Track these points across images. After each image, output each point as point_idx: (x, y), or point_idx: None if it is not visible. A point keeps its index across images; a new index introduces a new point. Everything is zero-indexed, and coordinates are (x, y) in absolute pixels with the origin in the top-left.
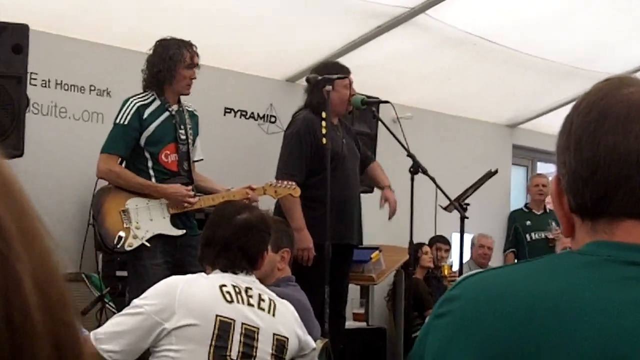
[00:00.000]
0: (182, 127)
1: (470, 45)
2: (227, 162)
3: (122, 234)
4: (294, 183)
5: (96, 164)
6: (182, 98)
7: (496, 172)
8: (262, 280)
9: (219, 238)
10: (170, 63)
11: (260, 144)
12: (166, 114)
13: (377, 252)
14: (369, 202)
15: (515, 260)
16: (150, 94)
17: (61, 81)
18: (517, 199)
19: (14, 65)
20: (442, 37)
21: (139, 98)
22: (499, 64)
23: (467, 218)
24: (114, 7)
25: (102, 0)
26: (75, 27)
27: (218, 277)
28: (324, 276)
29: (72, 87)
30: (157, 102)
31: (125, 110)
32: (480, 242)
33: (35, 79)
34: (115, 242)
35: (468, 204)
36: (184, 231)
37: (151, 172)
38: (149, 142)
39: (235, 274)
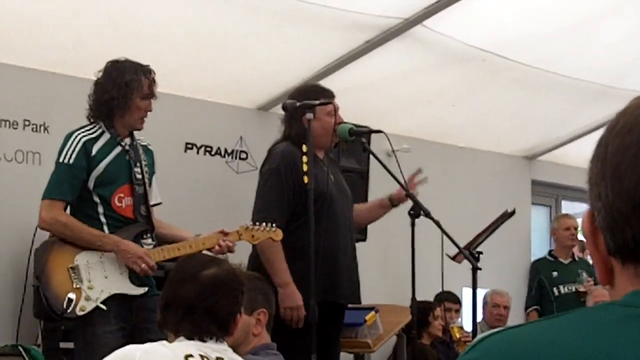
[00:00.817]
0: (137, 164)
1: (478, 62)
2: (189, 207)
3: (71, 295)
4: (274, 225)
5: (35, 214)
6: (135, 132)
7: (513, 213)
8: (235, 349)
9: (182, 299)
10: (126, 90)
11: (229, 185)
12: (118, 149)
13: (372, 312)
14: (362, 252)
15: None
16: (97, 126)
17: None
18: (540, 246)
19: None
20: (444, 53)
21: (84, 131)
22: (513, 84)
23: (480, 269)
24: (50, 26)
25: (36, 18)
26: (3, 50)
27: (182, 346)
28: (310, 343)
29: (3, 122)
30: (107, 136)
31: (70, 147)
32: (494, 301)
33: None
34: (64, 306)
35: (481, 253)
36: (146, 289)
37: (102, 218)
38: (98, 183)
39: (204, 341)
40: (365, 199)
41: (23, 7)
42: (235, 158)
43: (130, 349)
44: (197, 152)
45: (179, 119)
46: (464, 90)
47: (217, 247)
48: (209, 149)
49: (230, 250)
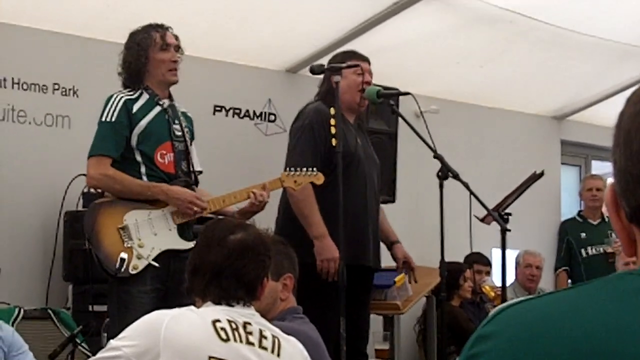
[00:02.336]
0: (176, 122)
1: (506, 23)
2: (218, 170)
3: (124, 255)
4: (314, 169)
5: (65, 177)
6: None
7: (542, 174)
8: (263, 315)
9: (209, 264)
10: (138, 50)
11: (257, 147)
12: (157, 108)
13: (402, 274)
14: (391, 213)
15: (569, 281)
16: (136, 89)
17: (19, 79)
18: (570, 206)
19: None
20: (473, 15)
21: (124, 93)
22: (542, 45)
23: (509, 231)
24: None
25: None
26: (33, 15)
27: (210, 311)
28: (338, 305)
29: (32, 86)
30: (146, 96)
31: (111, 106)
32: (526, 261)
33: None
34: (117, 265)
35: (510, 214)
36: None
37: (145, 178)
38: (140, 140)
39: (231, 305)
40: (394, 161)
41: None
42: (264, 120)
43: (159, 314)
44: (226, 115)
45: (208, 81)
46: (492, 51)
47: (252, 196)
48: (237, 111)
49: (265, 200)
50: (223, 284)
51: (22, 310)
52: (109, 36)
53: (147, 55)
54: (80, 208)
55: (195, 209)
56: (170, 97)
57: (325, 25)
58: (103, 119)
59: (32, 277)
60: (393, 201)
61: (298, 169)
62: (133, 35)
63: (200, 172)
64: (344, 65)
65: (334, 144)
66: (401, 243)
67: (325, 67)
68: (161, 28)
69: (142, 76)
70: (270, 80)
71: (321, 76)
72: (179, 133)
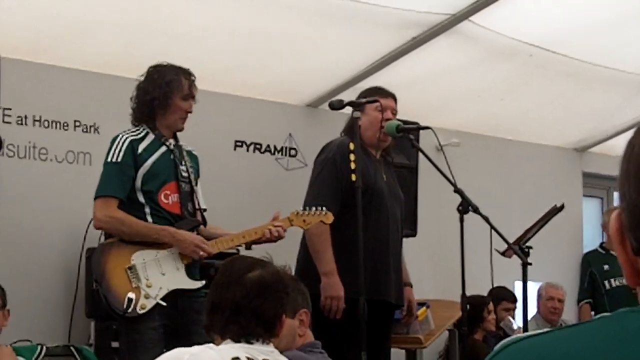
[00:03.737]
0: (182, 163)
1: (525, 56)
2: (239, 205)
3: (131, 295)
4: (324, 208)
5: (86, 214)
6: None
7: (562, 207)
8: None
9: (228, 301)
10: (167, 90)
11: (278, 181)
12: (163, 148)
13: (424, 308)
14: (412, 247)
15: (593, 313)
16: (142, 128)
17: (40, 117)
18: (592, 238)
19: None
20: (492, 48)
21: (130, 132)
22: (561, 77)
23: (530, 264)
24: (97, 28)
25: (83, 20)
26: (54, 53)
27: (229, 349)
28: (359, 340)
29: (54, 124)
30: (151, 136)
31: (117, 147)
32: (548, 294)
33: (9, 115)
34: (125, 306)
35: (530, 247)
36: (204, 282)
37: (149, 218)
38: (145, 181)
39: (250, 343)
40: (415, 195)
41: (74, 12)
42: (285, 155)
43: (179, 352)
44: (247, 150)
45: (229, 117)
46: (512, 84)
47: (267, 233)
48: (258, 146)
49: (281, 235)
50: (242, 322)
51: (44, 348)
52: (130, 73)
53: (171, 97)
54: None
55: (202, 253)
56: (175, 137)
57: (345, 61)
58: (109, 159)
59: (55, 314)
60: (414, 235)
61: (307, 208)
62: (162, 72)
63: (205, 210)
64: (363, 100)
65: (353, 179)
66: (412, 286)
67: (345, 102)
68: (189, 76)
69: (155, 113)
70: (290, 115)
71: (342, 111)
72: (185, 174)
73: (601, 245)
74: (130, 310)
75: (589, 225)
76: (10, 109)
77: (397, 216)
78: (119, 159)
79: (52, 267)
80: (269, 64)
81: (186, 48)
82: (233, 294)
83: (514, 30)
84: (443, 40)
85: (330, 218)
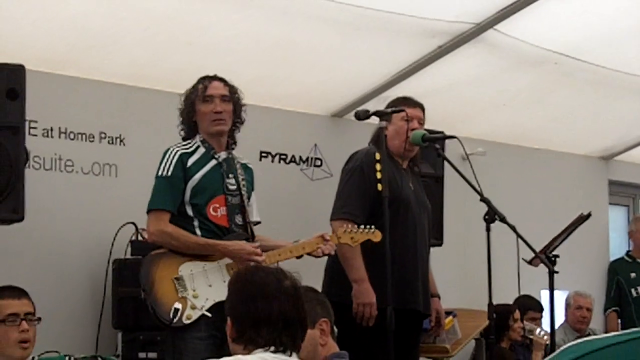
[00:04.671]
0: (230, 176)
1: (551, 65)
2: (265, 215)
3: (177, 305)
4: (373, 226)
5: (112, 225)
6: (237, 151)
7: (589, 216)
8: None
9: (277, 313)
10: (187, 102)
11: (304, 192)
12: (212, 162)
13: (450, 317)
14: (438, 257)
15: (619, 321)
16: (193, 142)
17: (66, 129)
18: (618, 246)
19: (9, 114)
20: (517, 57)
21: (180, 146)
22: (587, 85)
23: (557, 272)
24: (123, 40)
25: (109, 32)
26: (80, 65)
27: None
28: (386, 350)
29: (79, 136)
30: (202, 150)
31: (167, 161)
32: (577, 303)
33: (35, 127)
34: (171, 315)
35: (557, 256)
36: None
37: (198, 231)
38: (194, 194)
39: (276, 353)
40: (441, 204)
41: (100, 23)
42: (310, 165)
43: None
44: (272, 160)
45: (253, 127)
46: (537, 93)
47: (318, 251)
48: (283, 156)
49: (330, 253)
50: (291, 333)
51: (71, 359)
52: (155, 84)
53: (194, 107)
54: (128, 256)
55: (256, 258)
56: (228, 147)
57: (370, 70)
58: (159, 173)
59: (82, 325)
60: (440, 244)
61: (352, 225)
62: (188, 89)
63: (258, 222)
64: (389, 110)
65: (379, 188)
66: (439, 297)
67: (371, 112)
68: (207, 79)
69: (194, 128)
70: (316, 126)
71: (367, 121)
72: (233, 187)
73: (627, 254)
74: (176, 320)
75: (615, 233)
76: (36, 121)
77: (424, 225)
78: (169, 173)
79: (79, 279)
80: (295, 75)
81: (212, 59)
82: (281, 306)
83: (539, 39)
84: (468, 49)
85: (378, 236)
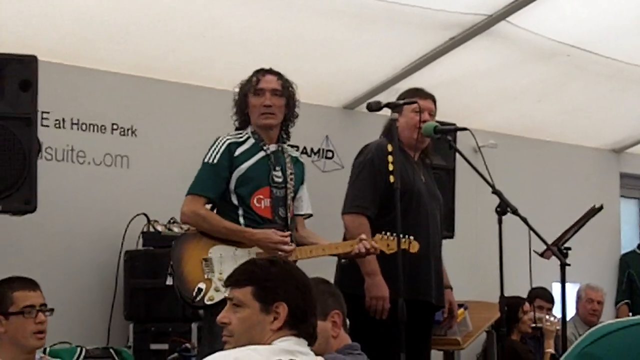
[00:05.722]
0: (277, 168)
1: (563, 57)
2: None
3: (201, 285)
4: (410, 236)
5: (124, 217)
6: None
7: (601, 208)
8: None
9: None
10: (240, 94)
11: (315, 183)
12: (261, 153)
13: (461, 309)
14: (450, 249)
15: (630, 314)
16: (244, 132)
17: (78, 120)
18: (630, 239)
19: (21, 105)
20: (529, 49)
21: (231, 135)
22: (599, 78)
23: (569, 265)
24: (136, 31)
25: (121, 24)
26: (92, 56)
27: (273, 351)
28: (398, 341)
29: (91, 127)
30: (252, 141)
31: (215, 148)
32: (588, 296)
33: (47, 119)
34: (194, 294)
35: (569, 248)
36: None
37: (241, 220)
38: (239, 184)
39: (294, 344)
40: (453, 196)
41: (112, 15)
42: (322, 157)
43: (220, 356)
44: None
45: None
46: (549, 85)
47: (355, 249)
48: (295, 148)
49: (369, 252)
50: (286, 323)
51: (84, 350)
52: (167, 76)
53: (246, 100)
54: (140, 247)
55: (280, 253)
56: (279, 140)
57: (382, 62)
58: (206, 160)
59: (93, 316)
60: (452, 237)
61: (385, 233)
62: (242, 81)
63: (310, 215)
64: (401, 102)
65: (392, 180)
66: (452, 289)
67: (382, 104)
68: (260, 72)
69: (247, 119)
70: (327, 117)
71: (379, 113)
72: (279, 179)
73: (639, 246)
74: (198, 299)
75: (626, 226)
76: (48, 112)
77: (436, 217)
78: (215, 161)
79: (91, 270)
80: (306, 66)
81: (224, 52)
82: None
83: (551, 31)
84: (480, 41)
85: (415, 247)
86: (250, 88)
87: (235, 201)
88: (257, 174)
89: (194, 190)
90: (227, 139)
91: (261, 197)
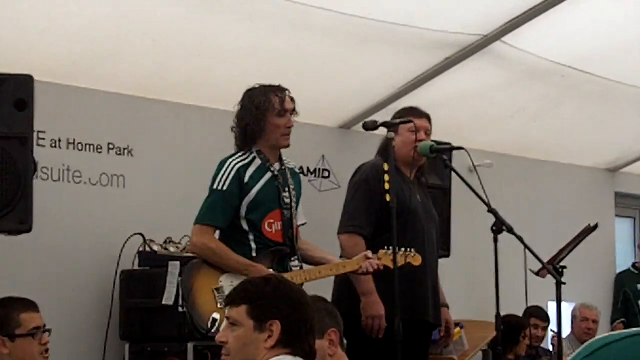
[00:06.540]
0: (285, 189)
1: (558, 77)
2: None
3: (215, 315)
4: (412, 249)
5: (120, 236)
6: (283, 153)
7: (596, 227)
8: None
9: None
10: (257, 114)
11: (311, 203)
12: (268, 174)
13: (457, 328)
14: (445, 268)
15: None
16: (249, 152)
17: (73, 140)
18: (624, 258)
19: (17, 124)
20: (524, 69)
21: (237, 158)
22: (594, 97)
23: (564, 284)
24: (131, 50)
25: (116, 43)
26: (88, 76)
27: None
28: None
29: (87, 146)
30: (258, 162)
31: (224, 174)
32: (582, 315)
33: (42, 138)
34: (208, 325)
35: (564, 267)
36: None
37: (252, 244)
38: (250, 210)
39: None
40: (448, 215)
41: (107, 34)
42: (318, 176)
43: None
44: None
45: None
46: (544, 104)
47: (362, 267)
48: None
49: (376, 270)
50: (289, 340)
51: None
52: (163, 95)
53: (264, 119)
54: (135, 267)
55: None
56: (280, 159)
57: (378, 82)
58: (214, 186)
59: (89, 335)
60: (447, 255)
61: (388, 249)
62: (251, 95)
63: (305, 223)
64: (396, 121)
65: (387, 199)
66: (448, 307)
67: (378, 123)
68: (280, 92)
69: (256, 139)
70: (323, 137)
71: (375, 132)
72: (287, 200)
73: (634, 265)
74: (213, 330)
75: (621, 244)
76: (44, 132)
77: (432, 236)
78: (225, 187)
79: (86, 289)
80: (302, 86)
81: (219, 71)
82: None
83: (546, 51)
84: (475, 60)
85: (418, 260)
86: (270, 107)
87: (245, 227)
88: (267, 198)
89: (203, 220)
90: (235, 163)
91: (272, 221)
